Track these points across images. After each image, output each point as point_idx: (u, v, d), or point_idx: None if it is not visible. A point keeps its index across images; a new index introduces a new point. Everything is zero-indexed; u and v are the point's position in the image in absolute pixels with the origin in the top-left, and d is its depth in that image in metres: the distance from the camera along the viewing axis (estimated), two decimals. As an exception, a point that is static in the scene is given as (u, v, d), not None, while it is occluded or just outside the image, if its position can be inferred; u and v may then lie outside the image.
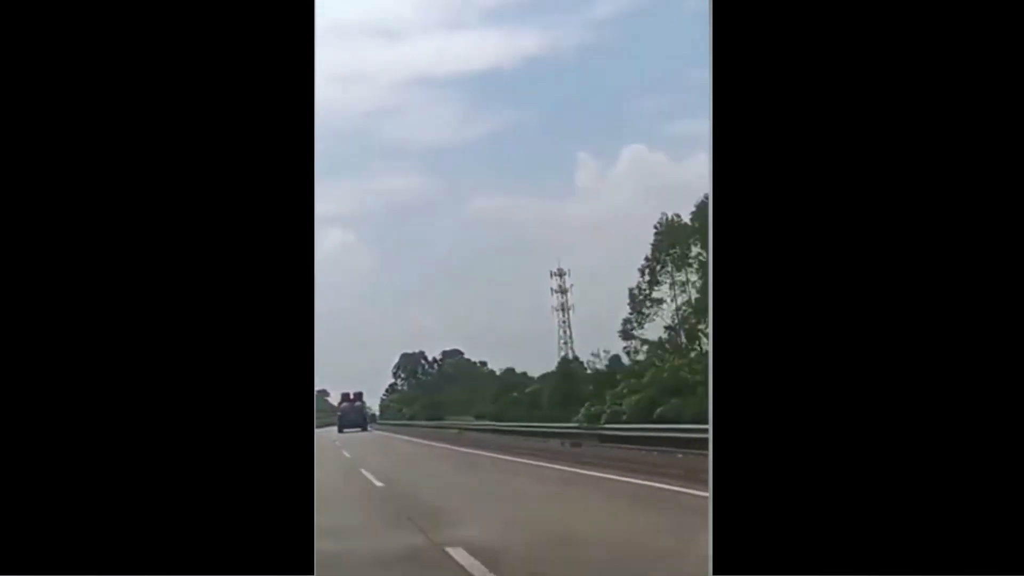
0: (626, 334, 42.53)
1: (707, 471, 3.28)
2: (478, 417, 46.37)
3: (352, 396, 64.17)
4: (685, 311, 39.32)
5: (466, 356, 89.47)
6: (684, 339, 38.00)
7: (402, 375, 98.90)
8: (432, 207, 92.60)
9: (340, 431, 54.24)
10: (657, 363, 31.84)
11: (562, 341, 77.93)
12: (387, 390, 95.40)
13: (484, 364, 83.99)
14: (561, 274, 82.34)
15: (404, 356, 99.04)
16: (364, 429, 57.62)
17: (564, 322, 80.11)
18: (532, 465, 18.19)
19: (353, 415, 60.10)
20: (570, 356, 66.24)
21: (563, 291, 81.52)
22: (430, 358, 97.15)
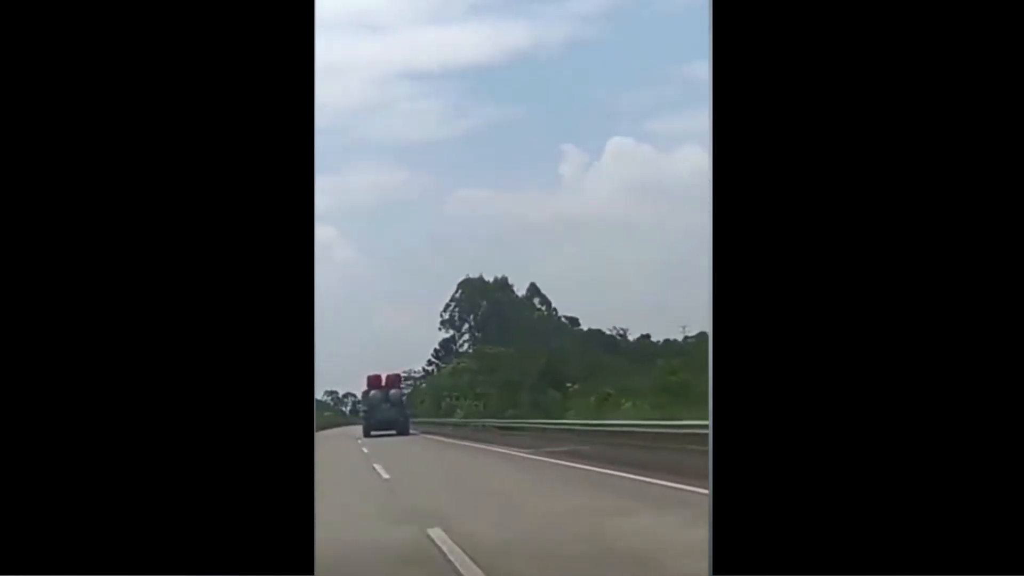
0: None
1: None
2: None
3: (385, 381, 41.52)
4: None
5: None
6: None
7: (472, 319, 63.65)
8: (417, 201, 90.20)
9: (366, 434, 35.96)
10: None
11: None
12: (438, 349, 62.51)
13: (575, 321, 60.48)
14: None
15: (466, 285, 62.67)
16: (405, 432, 37.29)
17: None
18: None
19: (388, 410, 39.05)
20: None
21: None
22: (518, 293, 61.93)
